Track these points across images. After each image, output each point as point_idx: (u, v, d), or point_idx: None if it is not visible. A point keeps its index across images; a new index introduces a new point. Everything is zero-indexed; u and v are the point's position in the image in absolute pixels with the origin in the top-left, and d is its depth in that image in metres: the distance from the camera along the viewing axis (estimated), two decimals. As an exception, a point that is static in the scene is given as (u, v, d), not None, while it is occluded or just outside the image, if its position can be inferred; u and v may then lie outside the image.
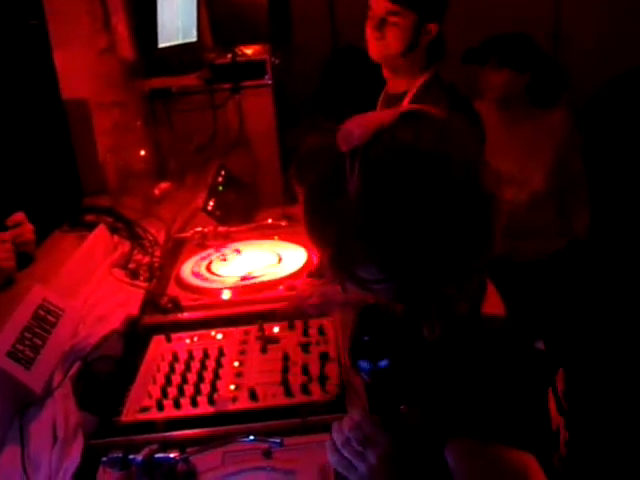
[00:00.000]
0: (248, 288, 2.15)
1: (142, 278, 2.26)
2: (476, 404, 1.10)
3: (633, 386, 3.21)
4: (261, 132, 3.70)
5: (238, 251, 2.41)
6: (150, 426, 1.55)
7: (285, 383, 1.64)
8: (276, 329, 1.89)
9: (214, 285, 2.19)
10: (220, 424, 1.54)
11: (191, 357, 1.79)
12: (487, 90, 3.12)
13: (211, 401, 1.61)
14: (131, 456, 1.36)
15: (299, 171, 1.21)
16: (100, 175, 2.81)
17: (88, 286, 2.13)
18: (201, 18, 3.73)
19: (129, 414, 1.60)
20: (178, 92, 3.59)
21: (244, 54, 3.68)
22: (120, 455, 1.37)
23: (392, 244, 1.05)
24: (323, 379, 1.65)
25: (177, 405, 1.60)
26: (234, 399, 1.62)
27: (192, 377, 1.71)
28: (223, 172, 3.25)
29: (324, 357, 1.73)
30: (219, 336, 1.90)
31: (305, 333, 1.87)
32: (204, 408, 1.60)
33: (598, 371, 3.27)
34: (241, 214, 2.97)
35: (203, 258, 2.38)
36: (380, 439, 1.15)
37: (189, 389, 1.65)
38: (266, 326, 1.89)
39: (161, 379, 1.71)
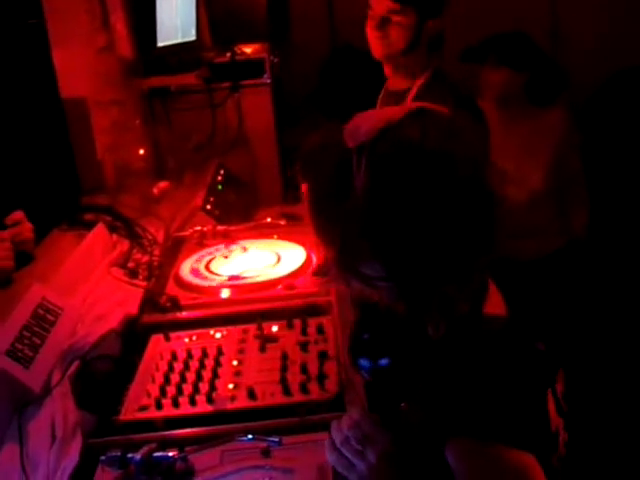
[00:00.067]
0: (247, 287, 2.15)
1: (141, 277, 2.26)
2: (476, 404, 1.10)
3: (632, 386, 3.21)
4: (260, 131, 3.69)
5: (244, 249, 2.41)
6: (149, 425, 1.55)
7: (284, 382, 1.64)
8: (275, 328, 1.90)
9: (209, 283, 2.19)
10: (219, 423, 1.54)
11: (190, 356, 1.79)
12: (486, 89, 3.12)
13: (210, 400, 1.61)
14: (130, 455, 1.36)
15: (304, 168, 1.21)
16: (99, 174, 2.81)
17: (87, 285, 2.13)
18: (200, 17, 3.73)
19: (128, 413, 1.60)
20: (177, 91, 3.58)
21: (243, 53, 3.68)
22: (119, 454, 1.37)
23: (397, 241, 1.06)
24: (322, 378, 1.65)
25: (176, 404, 1.60)
26: (233, 398, 1.62)
27: (191, 376, 1.71)
28: (222, 171, 3.25)
29: (323, 356, 1.73)
30: (218, 335, 1.90)
31: (304, 332, 1.87)
32: (203, 407, 1.60)
33: (597, 371, 3.27)
34: (240, 213, 2.96)
35: (202, 257, 2.38)
36: (379, 438, 1.15)
37: (188, 388, 1.65)
38: (265, 325, 1.89)
39: (160, 378, 1.71)
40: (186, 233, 2.61)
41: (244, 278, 2.20)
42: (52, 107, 2.61)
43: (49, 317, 1.81)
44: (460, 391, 1.12)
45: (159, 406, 1.60)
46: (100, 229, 2.40)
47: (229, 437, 1.43)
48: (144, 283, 2.21)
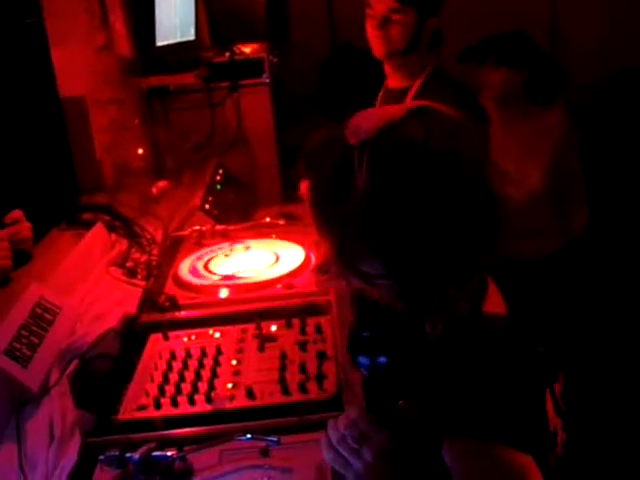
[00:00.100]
0: (246, 287, 2.15)
1: (140, 276, 2.25)
2: (473, 403, 1.09)
3: (631, 385, 3.21)
4: (259, 131, 3.69)
5: (247, 248, 2.42)
6: (147, 424, 1.55)
7: (282, 381, 1.64)
8: (273, 327, 1.89)
9: (203, 282, 2.18)
10: (217, 422, 1.54)
11: (189, 355, 1.79)
12: (485, 89, 3.12)
13: (209, 399, 1.61)
14: (128, 454, 1.35)
15: (306, 167, 1.21)
16: (97, 173, 2.81)
17: (85, 284, 2.13)
18: (199, 16, 3.73)
19: (126, 412, 1.60)
20: (176, 90, 3.58)
21: (242, 52, 3.68)
22: (117, 453, 1.36)
23: (397, 239, 1.06)
24: (320, 377, 1.65)
25: (174, 403, 1.60)
26: (231, 397, 1.62)
27: (190, 375, 1.70)
28: (221, 171, 3.25)
29: (321, 356, 1.73)
30: (217, 334, 1.90)
31: (302, 332, 1.86)
32: (202, 406, 1.60)
33: (596, 371, 3.27)
34: (239, 213, 2.96)
35: (201, 256, 2.38)
36: (376, 436, 1.15)
37: (186, 387, 1.65)
38: (264, 325, 1.89)
39: (158, 377, 1.71)
40: (185, 233, 2.61)
41: (238, 278, 2.19)
42: (51, 106, 2.61)
43: (47, 316, 1.80)
44: (457, 390, 1.11)
45: (158, 405, 1.60)
46: (99, 228, 2.40)
47: (228, 436, 1.43)
48: (143, 282, 2.21)
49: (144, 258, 2.38)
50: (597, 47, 4.76)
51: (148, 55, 3.23)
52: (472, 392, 1.10)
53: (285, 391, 1.61)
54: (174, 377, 1.70)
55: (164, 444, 1.40)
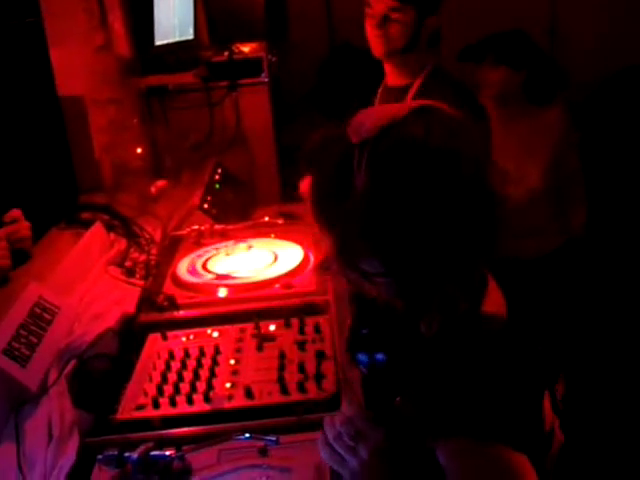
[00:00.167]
0: (245, 286, 2.15)
1: (138, 276, 2.25)
2: (468, 402, 1.10)
3: (631, 385, 3.21)
4: (258, 130, 3.70)
5: (250, 247, 2.42)
6: (146, 424, 1.55)
7: (281, 381, 1.64)
8: (272, 327, 1.89)
9: (204, 281, 2.19)
10: (216, 422, 1.54)
11: (187, 355, 1.79)
12: (484, 87, 3.12)
13: (207, 399, 1.61)
14: (127, 454, 1.36)
15: (307, 166, 1.21)
16: (96, 172, 2.81)
17: (84, 284, 2.13)
18: (198, 16, 3.73)
19: (125, 412, 1.59)
20: (174, 90, 3.58)
21: (241, 52, 3.68)
22: (116, 453, 1.37)
23: (396, 238, 1.06)
24: (319, 377, 1.65)
25: (173, 403, 1.60)
26: (230, 397, 1.62)
27: (188, 375, 1.70)
28: (220, 170, 3.25)
29: (320, 355, 1.73)
30: (215, 334, 1.90)
31: (301, 331, 1.86)
32: (200, 406, 1.60)
33: (596, 370, 3.27)
34: (238, 212, 2.96)
35: (200, 256, 2.38)
36: (372, 434, 1.15)
37: (185, 387, 1.65)
38: (262, 324, 1.89)
39: (157, 377, 1.71)
40: (183, 232, 2.60)
41: (237, 278, 2.19)
42: (50, 106, 2.61)
43: (46, 316, 1.80)
44: (452, 389, 1.12)
45: (156, 405, 1.60)
46: (97, 228, 2.40)
47: (226, 436, 1.43)
48: (141, 282, 2.21)
49: (143, 257, 2.38)
50: (596, 46, 4.76)
51: (147, 55, 3.23)
52: (467, 391, 1.10)
53: (284, 391, 1.61)
54: (172, 377, 1.70)
55: (162, 444, 1.40)
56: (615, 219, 4.14)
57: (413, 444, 1.12)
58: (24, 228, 2.07)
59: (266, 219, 2.69)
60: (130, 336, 1.93)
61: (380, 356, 1.23)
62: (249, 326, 1.90)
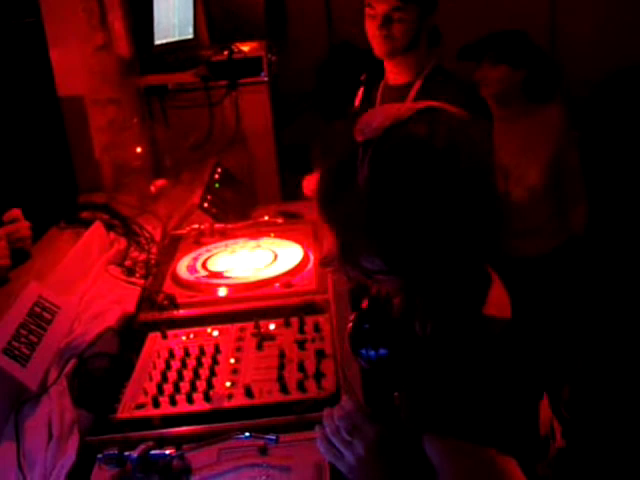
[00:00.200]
0: (244, 285, 2.15)
1: (138, 275, 2.25)
2: (460, 403, 1.10)
3: (632, 384, 3.20)
4: (257, 129, 3.70)
5: (258, 245, 2.43)
6: (146, 423, 1.55)
7: (281, 380, 1.64)
8: (272, 326, 1.89)
9: (204, 280, 2.19)
10: (216, 421, 1.54)
11: (187, 354, 1.79)
12: (483, 86, 3.12)
13: (207, 398, 1.61)
14: (127, 453, 1.36)
15: (315, 161, 1.23)
16: (96, 172, 2.81)
17: (84, 283, 2.13)
18: (197, 15, 3.73)
19: (125, 411, 1.60)
20: (174, 89, 3.58)
21: (240, 51, 3.68)
22: (116, 452, 1.37)
23: (396, 236, 1.07)
24: (319, 376, 1.65)
25: (173, 402, 1.60)
26: (230, 396, 1.62)
27: (188, 374, 1.70)
28: (219, 169, 3.25)
29: (320, 354, 1.73)
30: (215, 333, 1.90)
31: (301, 330, 1.86)
32: (200, 405, 1.60)
33: (596, 370, 3.26)
34: (237, 211, 2.96)
35: (200, 255, 2.38)
36: (369, 430, 1.16)
37: (185, 386, 1.65)
38: (262, 323, 1.89)
39: (157, 376, 1.71)
40: (183, 231, 2.61)
41: (237, 277, 2.19)
42: (49, 105, 2.61)
43: (46, 315, 1.81)
44: (446, 389, 1.12)
45: (156, 404, 1.60)
46: (97, 227, 2.40)
47: (226, 435, 1.43)
48: (141, 281, 2.21)
49: (143, 257, 2.38)
50: (596, 45, 4.75)
51: (146, 54, 3.23)
52: (460, 391, 1.11)
53: (284, 389, 1.61)
54: (172, 376, 1.70)
55: (162, 443, 1.40)
56: (615, 218, 4.14)
57: (409, 440, 1.13)
58: (24, 228, 2.07)
59: (266, 218, 2.69)
60: (130, 335, 1.93)
61: (381, 351, 1.24)
62: (249, 325, 1.90)
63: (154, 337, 1.90)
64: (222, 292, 2.13)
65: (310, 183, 2.52)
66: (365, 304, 1.28)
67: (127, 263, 2.33)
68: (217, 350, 1.80)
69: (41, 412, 1.57)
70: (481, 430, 1.07)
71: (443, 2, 2.37)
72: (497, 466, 1.07)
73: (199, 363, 1.75)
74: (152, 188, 2.96)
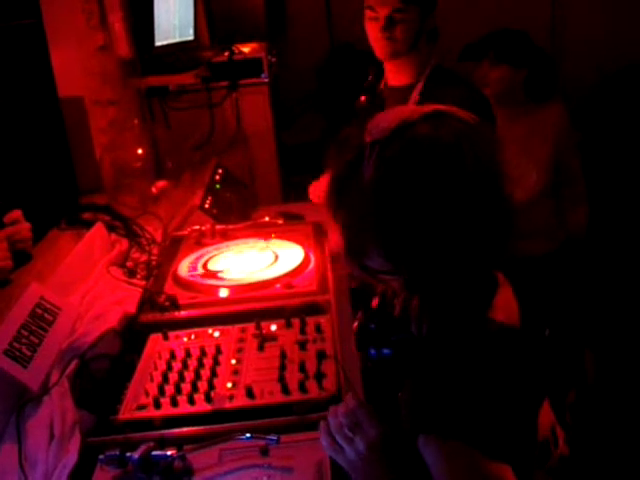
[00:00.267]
0: (245, 286, 2.15)
1: (139, 276, 2.25)
2: (456, 406, 1.10)
3: (633, 385, 3.20)
4: (258, 130, 3.70)
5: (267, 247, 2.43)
6: (147, 424, 1.55)
7: (282, 381, 1.64)
8: (273, 327, 1.90)
9: (205, 281, 2.19)
10: (217, 422, 1.54)
11: (188, 355, 1.79)
12: (484, 86, 3.12)
13: (208, 399, 1.61)
14: (128, 454, 1.36)
15: (326, 161, 1.24)
16: (97, 173, 2.81)
17: (85, 284, 2.13)
18: (198, 16, 3.73)
19: (126, 412, 1.60)
20: (175, 90, 3.59)
21: (241, 52, 3.68)
22: (117, 453, 1.37)
23: (399, 235, 1.08)
24: (320, 377, 1.65)
25: (174, 403, 1.60)
26: (231, 397, 1.62)
27: (189, 375, 1.71)
28: (220, 170, 3.25)
29: (321, 355, 1.73)
30: (216, 334, 1.90)
31: (302, 331, 1.87)
32: (201, 406, 1.60)
33: (598, 373, 3.26)
34: (238, 212, 2.97)
35: (201, 256, 2.38)
36: (371, 428, 1.17)
37: (186, 387, 1.65)
38: (263, 324, 1.89)
39: (158, 377, 1.71)
40: (184, 232, 2.61)
41: (238, 278, 2.19)
42: (50, 107, 2.61)
43: (47, 316, 1.81)
44: (444, 391, 1.12)
45: (157, 405, 1.60)
46: (98, 228, 2.40)
47: (227, 436, 1.43)
48: (143, 282, 2.21)
49: (144, 258, 2.38)
50: (597, 45, 4.76)
51: (147, 55, 3.23)
52: (457, 394, 1.11)
53: (285, 390, 1.62)
54: (174, 377, 1.70)
55: (164, 444, 1.40)
56: (616, 219, 4.13)
57: (409, 439, 1.13)
58: (25, 229, 2.07)
59: (266, 219, 2.69)
60: (131, 336, 1.93)
61: (385, 351, 1.24)
62: (250, 326, 1.90)
63: (155, 338, 1.91)
64: (223, 293, 2.13)
65: (316, 189, 2.50)
66: (375, 303, 1.29)
67: (128, 264, 2.33)
68: (218, 351, 1.80)
69: (43, 413, 1.57)
70: (477, 434, 1.07)
71: (444, 2, 2.37)
72: (490, 472, 1.07)
73: (200, 364, 1.75)
74: (153, 189, 2.96)
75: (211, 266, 2.29)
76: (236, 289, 2.14)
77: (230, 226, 2.63)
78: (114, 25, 3.07)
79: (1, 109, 2.33)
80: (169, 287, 2.19)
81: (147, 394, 1.64)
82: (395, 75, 2.43)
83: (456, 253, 1.09)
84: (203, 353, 1.80)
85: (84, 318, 1.94)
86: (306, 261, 2.27)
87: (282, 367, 1.71)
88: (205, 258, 2.36)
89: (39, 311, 1.79)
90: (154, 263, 2.34)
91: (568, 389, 2.82)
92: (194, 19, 3.66)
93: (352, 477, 1.20)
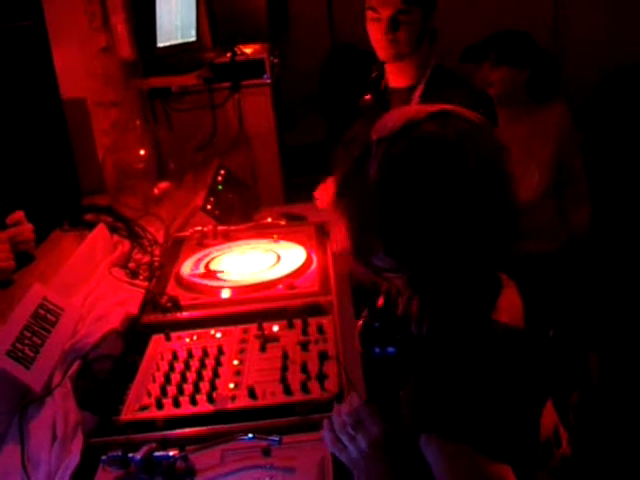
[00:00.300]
0: (247, 287, 2.15)
1: (142, 277, 2.26)
2: (457, 406, 1.10)
3: (633, 385, 3.19)
4: (260, 131, 3.70)
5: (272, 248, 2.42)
6: (149, 425, 1.56)
7: (284, 381, 1.64)
8: (275, 328, 1.90)
9: (207, 282, 2.19)
10: (219, 422, 1.54)
11: (190, 356, 1.79)
12: (486, 87, 3.12)
13: (210, 399, 1.61)
14: (130, 454, 1.36)
15: (335, 160, 1.25)
16: (99, 174, 2.81)
17: (88, 285, 2.13)
18: (200, 17, 3.73)
19: (128, 413, 1.60)
20: (177, 91, 3.59)
21: (243, 53, 3.68)
22: (119, 454, 1.37)
23: (403, 232, 1.09)
24: (322, 377, 1.65)
25: (176, 404, 1.61)
26: (233, 397, 1.62)
27: (191, 376, 1.71)
28: (222, 171, 3.25)
29: (323, 356, 1.73)
30: (218, 335, 1.90)
31: (304, 332, 1.87)
32: (203, 406, 1.60)
33: (600, 375, 3.25)
34: (240, 213, 2.97)
35: (204, 257, 2.38)
36: (373, 426, 1.18)
37: (188, 388, 1.66)
38: (265, 325, 1.89)
39: (160, 378, 1.71)
40: (186, 233, 2.61)
41: (240, 279, 2.19)
42: (52, 108, 2.61)
43: (50, 317, 1.81)
44: (444, 391, 1.12)
45: (160, 406, 1.60)
46: (101, 229, 2.40)
47: (230, 436, 1.43)
48: (145, 283, 2.22)
49: (146, 259, 2.38)
50: (599, 44, 4.75)
51: (149, 56, 3.23)
52: (459, 394, 1.11)
53: (287, 391, 1.62)
54: (176, 377, 1.70)
55: (166, 444, 1.40)
56: (618, 219, 4.13)
57: (411, 438, 1.13)
58: (27, 230, 2.07)
59: (269, 220, 2.69)
60: (134, 337, 1.93)
61: (390, 350, 1.25)
62: (252, 327, 1.91)
63: (158, 339, 1.91)
64: (225, 294, 2.13)
65: (323, 195, 2.48)
66: (381, 302, 1.30)
67: (131, 265, 2.33)
68: (220, 352, 1.80)
69: (45, 414, 1.57)
70: (479, 434, 1.07)
71: (444, 3, 2.37)
72: (492, 472, 1.07)
73: (202, 365, 1.75)
74: (155, 190, 2.96)
75: (213, 267, 2.29)
76: (238, 290, 2.14)
77: (232, 227, 2.63)
78: (116, 26, 3.07)
79: (4, 110, 2.33)
80: (171, 288, 2.20)
81: (149, 395, 1.65)
82: (396, 77, 2.42)
83: (459, 252, 1.10)
84: (205, 354, 1.80)
85: (86, 319, 1.94)
86: (308, 262, 2.27)
87: (284, 368, 1.71)
88: (207, 259, 2.36)
89: (42, 312, 1.79)
90: (156, 264, 2.35)
91: (571, 390, 2.81)
92: (196, 20, 3.66)
93: (354, 475, 1.21)
